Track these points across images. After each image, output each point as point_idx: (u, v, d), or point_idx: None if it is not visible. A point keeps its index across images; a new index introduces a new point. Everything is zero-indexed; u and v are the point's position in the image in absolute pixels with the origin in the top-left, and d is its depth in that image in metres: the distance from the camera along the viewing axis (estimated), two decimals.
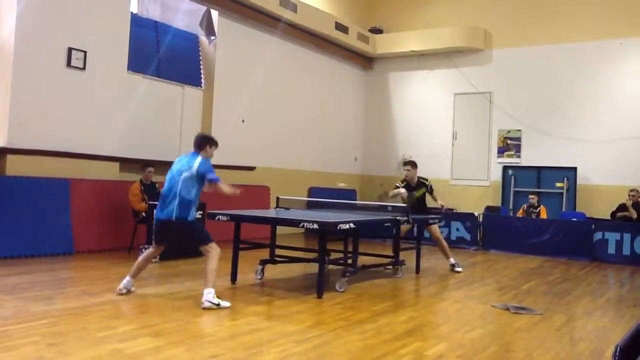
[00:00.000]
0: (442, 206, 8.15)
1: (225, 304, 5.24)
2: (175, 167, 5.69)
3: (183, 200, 5.51)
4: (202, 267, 7.62)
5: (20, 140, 7.71)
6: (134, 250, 8.15)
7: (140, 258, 5.74)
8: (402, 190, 8.21)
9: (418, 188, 8.38)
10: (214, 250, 5.47)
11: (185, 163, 5.67)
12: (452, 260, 8.27)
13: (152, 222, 7.77)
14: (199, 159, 5.67)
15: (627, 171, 11.89)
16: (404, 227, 8.14)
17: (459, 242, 11.33)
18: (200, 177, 5.61)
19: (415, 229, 8.68)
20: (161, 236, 5.68)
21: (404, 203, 8.04)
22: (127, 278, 5.61)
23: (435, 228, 8.41)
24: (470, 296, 6.43)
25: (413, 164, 8.52)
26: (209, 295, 5.20)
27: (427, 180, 8.48)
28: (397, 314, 5.43)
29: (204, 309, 5.10)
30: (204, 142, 5.85)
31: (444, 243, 8.45)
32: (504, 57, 13.51)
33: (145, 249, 7.72)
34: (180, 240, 5.94)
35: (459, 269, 8.14)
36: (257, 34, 11.67)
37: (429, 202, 8.60)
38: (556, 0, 12.97)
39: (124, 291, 5.55)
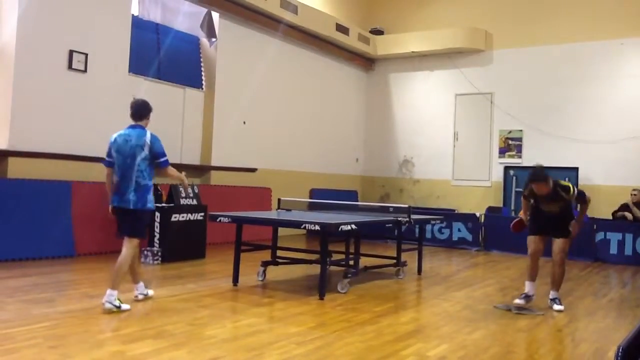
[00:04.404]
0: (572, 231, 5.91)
1: (125, 306, 4.93)
2: (124, 148, 5.10)
3: (139, 187, 5.09)
4: (205, 269, 7.69)
5: (22, 142, 7.71)
6: None
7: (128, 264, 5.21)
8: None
9: (551, 201, 5.86)
10: (134, 247, 5.12)
11: (135, 141, 5.08)
12: (553, 294, 5.98)
13: (154, 225, 7.88)
14: (149, 135, 5.12)
15: (628, 171, 11.87)
16: (534, 242, 5.96)
17: (460, 243, 11.33)
18: (152, 158, 5.11)
19: (416, 229, 8.62)
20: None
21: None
22: (135, 285, 5.38)
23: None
24: (472, 297, 6.43)
25: (545, 178, 5.75)
26: (110, 297, 4.86)
27: (569, 191, 5.85)
28: (399, 315, 5.43)
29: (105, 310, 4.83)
30: (147, 110, 5.23)
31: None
32: (505, 58, 13.50)
33: (148, 251, 7.76)
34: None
35: (559, 307, 5.80)
36: (258, 36, 11.67)
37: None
38: (557, 0, 12.97)
39: (141, 297, 5.38)
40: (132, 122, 5.24)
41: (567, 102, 12.70)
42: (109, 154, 5.19)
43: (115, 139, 5.17)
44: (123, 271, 5.02)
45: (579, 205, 6.13)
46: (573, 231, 5.89)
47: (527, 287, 5.98)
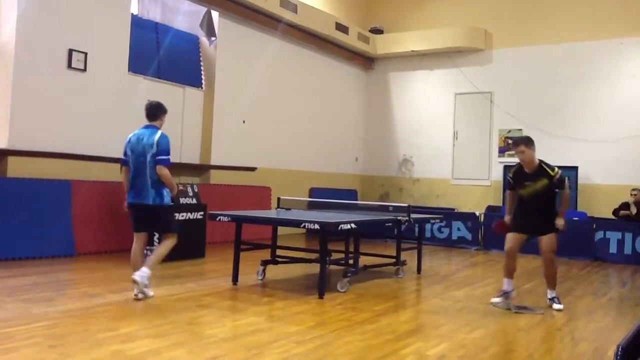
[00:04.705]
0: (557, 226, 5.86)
1: (149, 292, 5.36)
2: (137, 147, 5.40)
3: (155, 183, 5.38)
4: (204, 268, 7.69)
5: (22, 141, 7.71)
6: None
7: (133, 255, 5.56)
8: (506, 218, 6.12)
9: (536, 179, 5.80)
10: (173, 239, 5.56)
11: (146, 139, 5.40)
12: (550, 294, 5.96)
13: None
14: (159, 134, 5.43)
15: (628, 170, 11.87)
16: (512, 240, 5.89)
17: (460, 242, 11.33)
18: (157, 155, 5.34)
19: (416, 228, 8.61)
20: (139, 223, 5.56)
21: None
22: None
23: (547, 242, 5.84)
24: (471, 296, 6.43)
25: (526, 141, 5.85)
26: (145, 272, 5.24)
27: (554, 169, 5.85)
28: (399, 314, 5.44)
29: (133, 280, 5.22)
30: (160, 111, 5.56)
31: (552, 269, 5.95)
32: (504, 57, 13.49)
33: (147, 250, 7.74)
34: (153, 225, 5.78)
35: (559, 306, 5.79)
36: (258, 35, 11.67)
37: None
38: (557, 0, 12.95)
39: (140, 296, 5.37)
40: (147, 122, 5.58)
41: (566, 101, 12.69)
42: (125, 153, 5.50)
43: (130, 139, 5.50)
44: (161, 257, 5.55)
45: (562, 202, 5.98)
46: (558, 225, 5.80)
47: (505, 285, 5.90)
